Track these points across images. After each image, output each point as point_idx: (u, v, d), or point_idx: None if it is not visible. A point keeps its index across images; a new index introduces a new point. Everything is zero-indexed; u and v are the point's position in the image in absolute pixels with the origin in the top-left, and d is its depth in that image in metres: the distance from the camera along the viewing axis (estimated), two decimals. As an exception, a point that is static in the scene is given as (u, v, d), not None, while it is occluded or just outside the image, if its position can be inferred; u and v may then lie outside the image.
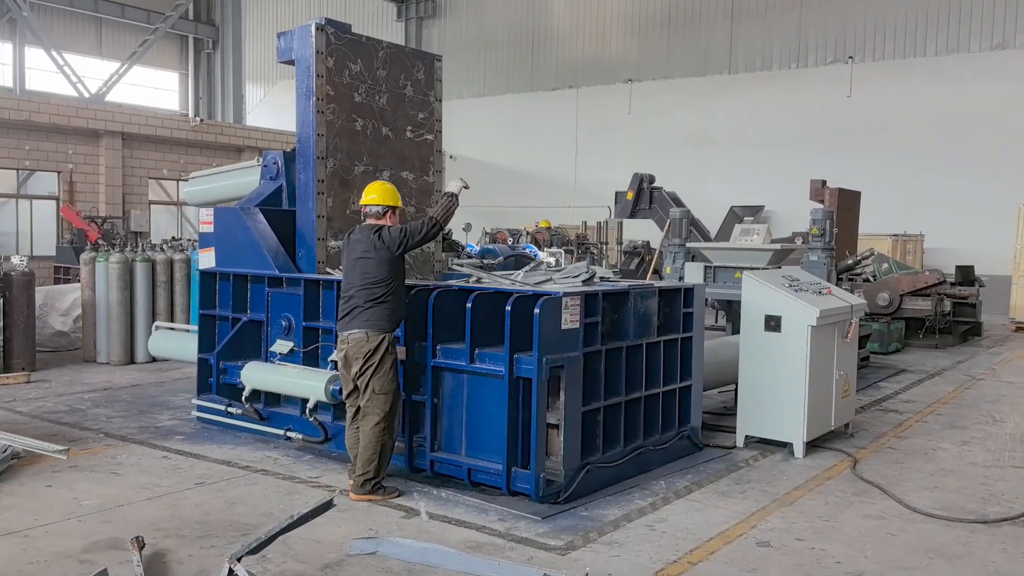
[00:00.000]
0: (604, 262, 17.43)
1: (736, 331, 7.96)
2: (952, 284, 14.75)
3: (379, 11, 30.73)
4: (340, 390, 6.40)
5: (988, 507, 5.64)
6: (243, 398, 7.05)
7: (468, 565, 3.54)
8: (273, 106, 31.43)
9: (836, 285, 8.74)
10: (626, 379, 6.06)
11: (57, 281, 15.56)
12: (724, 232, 15.99)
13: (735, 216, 20.52)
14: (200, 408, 7.54)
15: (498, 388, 5.50)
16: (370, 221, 5.78)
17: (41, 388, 9.13)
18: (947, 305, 14.04)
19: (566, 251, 15.63)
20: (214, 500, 5.49)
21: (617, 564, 4.55)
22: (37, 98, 21.69)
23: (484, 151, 28.34)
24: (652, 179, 14.30)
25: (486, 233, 17.38)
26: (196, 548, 4.66)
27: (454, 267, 8.04)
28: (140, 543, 4.35)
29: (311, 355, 6.91)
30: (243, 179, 8.29)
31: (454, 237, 12.21)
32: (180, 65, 32.21)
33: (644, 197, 14.07)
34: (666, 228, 10.74)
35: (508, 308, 5.43)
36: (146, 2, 29.42)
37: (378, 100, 7.43)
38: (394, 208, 5.80)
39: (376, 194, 5.78)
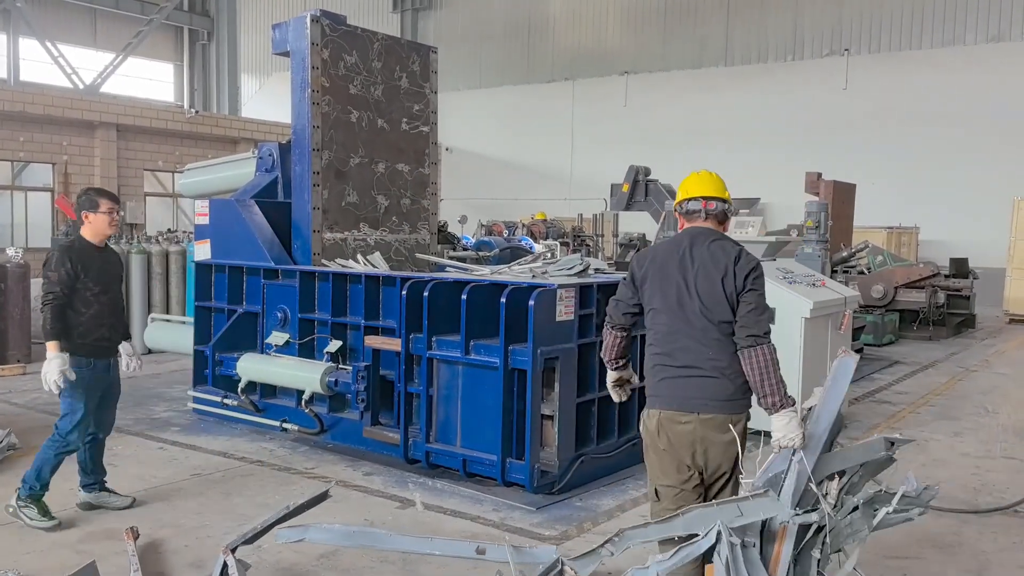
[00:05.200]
0: (600, 254, 17.43)
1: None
2: (946, 276, 14.82)
3: (374, 2, 30.66)
4: (336, 381, 6.43)
5: (979, 497, 5.68)
6: (239, 390, 7.06)
7: (400, 544, 3.57)
8: (269, 98, 31.36)
9: (831, 277, 8.77)
10: (621, 370, 6.07)
11: (52, 273, 15.51)
12: (720, 224, 15.97)
13: (731, 208, 20.50)
14: (196, 400, 7.56)
15: (493, 379, 5.52)
16: (702, 225, 3.70)
17: (36, 380, 9.00)
18: (941, 297, 14.10)
19: (562, 243, 15.63)
20: (210, 491, 5.51)
21: (611, 554, 4.57)
22: (31, 89, 21.59)
23: (480, 143, 28.33)
24: (648, 171, 14.29)
25: (482, 225, 17.37)
26: (192, 539, 4.69)
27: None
28: (135, 533, 4.37)
29: (307, 347, 6.92)
30: (238, 171, 8.29)
31: (450, 229, 12.23)
32: (175, 56, 32.06)
33: (640, 189, 14.04)
34: (661, 220, 10.75)
35: (503, 300, 5.44)
36: (141, -7, 29.28)
37: (373, 92, 7.43)
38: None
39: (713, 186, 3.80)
